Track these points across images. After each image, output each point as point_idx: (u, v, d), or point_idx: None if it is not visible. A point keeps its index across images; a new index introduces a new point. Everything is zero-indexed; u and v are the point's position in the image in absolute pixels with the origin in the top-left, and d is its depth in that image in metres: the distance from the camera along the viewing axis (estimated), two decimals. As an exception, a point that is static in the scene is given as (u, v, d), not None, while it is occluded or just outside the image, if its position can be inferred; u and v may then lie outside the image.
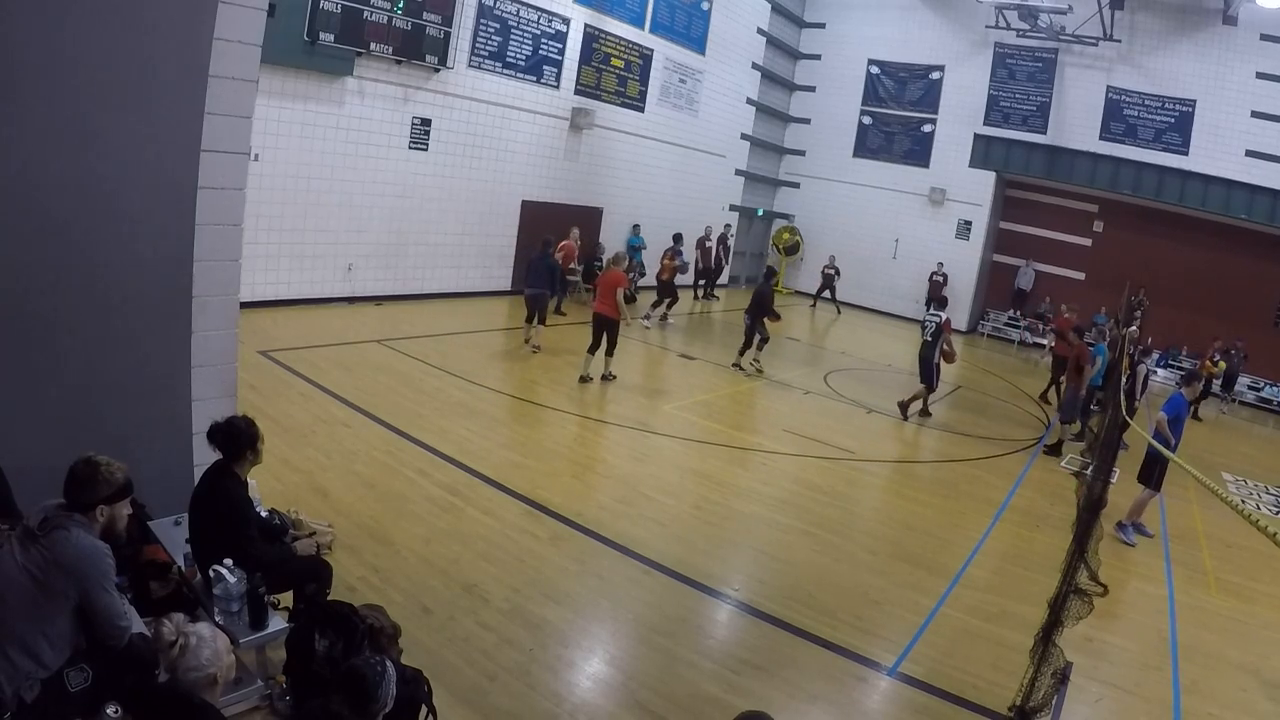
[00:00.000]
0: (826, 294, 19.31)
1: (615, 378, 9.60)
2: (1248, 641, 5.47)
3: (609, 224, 16.27)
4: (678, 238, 15.25)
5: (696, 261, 17.33)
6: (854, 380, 11.98)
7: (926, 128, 19.73)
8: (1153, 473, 7.10)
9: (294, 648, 3.22)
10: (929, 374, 10.11)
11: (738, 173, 20.18)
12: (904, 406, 10.10)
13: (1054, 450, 9.57)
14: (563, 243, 13.48)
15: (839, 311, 19.27)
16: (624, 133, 16.08)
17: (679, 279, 14.57)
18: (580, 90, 14.69)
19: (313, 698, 2.76)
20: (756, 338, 11.16)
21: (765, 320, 11.14)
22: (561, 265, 13.49)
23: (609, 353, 9.52)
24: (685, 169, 18.12)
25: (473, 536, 5.21)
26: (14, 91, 3.34)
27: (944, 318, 10.16)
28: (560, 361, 10.39)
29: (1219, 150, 16.18)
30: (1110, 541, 6.80)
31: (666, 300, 14.08)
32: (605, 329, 9.41)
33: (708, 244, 17.70)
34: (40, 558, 2.62)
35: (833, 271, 19.32)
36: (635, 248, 16.46)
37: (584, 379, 9.39)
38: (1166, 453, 5.06)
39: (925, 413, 10.29)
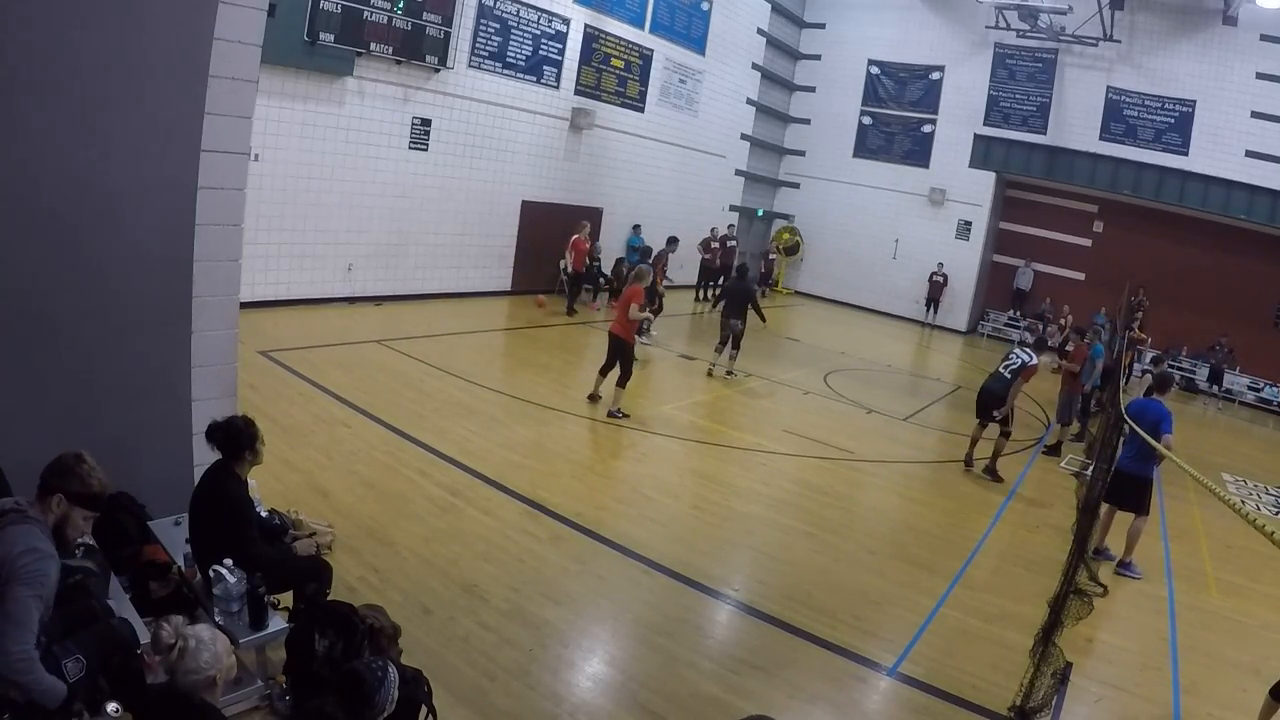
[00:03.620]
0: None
1: (626, 416, 8.23)
2: (1247, 641, 5.48)
3: (609, 224, 16.26)
4: (672, 240, 14.60)
5: (710, 260, 17.33)
6: (854, 380, 11.98)
7: (926, 128, 19.74)
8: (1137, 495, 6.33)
9: (294, 648, 3.21)
10: (986, 407, 8.25)
11: (738, 173, 20.18)
12: (992, 463, 8.34)
13: (1053, 451, 9.58)
14: (574, 237, 13.50)
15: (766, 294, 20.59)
16: (624, 133, 16.07)
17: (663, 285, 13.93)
18: (580, 90, 14.68)
19: (312, 698, 2.76)
20: (727, 338, 10.65)
21: (733, 319, 10.55)
22: (574, 264, 13.57)
23: (621, 383, 8.24)
24: (685, 169, 18.12)
25: (473, 536, 5.21)
26: (14, 91, 3.33)
27: (1033, 361, 8.09)
28: (560, 362, 10.39)
29: (1219, 150, 16.18)
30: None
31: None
32: (619, 352, 8.22)
33: (714, 245, 17.61)
34: None
35: (775, 257, 21.09)
36: (635, 248, 16.43)
37: (593, 397, 8.59)
38: (1168, 453, 5.02)
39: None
